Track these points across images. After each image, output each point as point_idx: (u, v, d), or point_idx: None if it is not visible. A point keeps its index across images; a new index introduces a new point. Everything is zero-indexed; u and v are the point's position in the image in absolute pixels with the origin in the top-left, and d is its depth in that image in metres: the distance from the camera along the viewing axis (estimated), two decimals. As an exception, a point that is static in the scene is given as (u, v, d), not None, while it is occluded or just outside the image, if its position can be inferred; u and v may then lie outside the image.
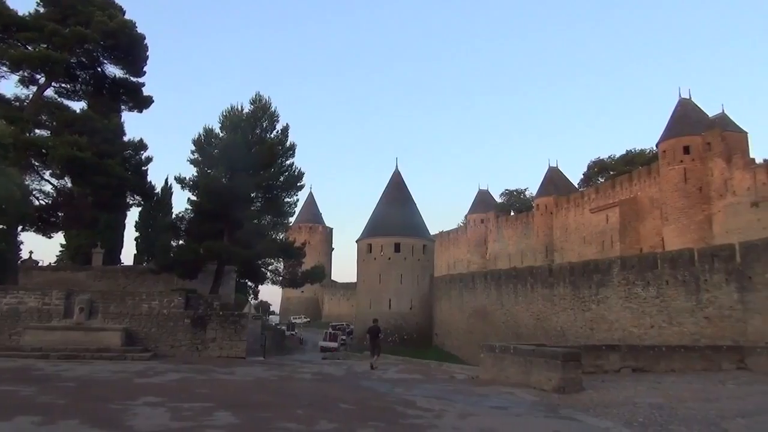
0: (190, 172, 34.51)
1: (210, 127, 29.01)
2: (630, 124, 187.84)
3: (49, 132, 27.82)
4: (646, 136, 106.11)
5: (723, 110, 53.16)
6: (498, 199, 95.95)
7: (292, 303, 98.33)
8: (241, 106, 29.62)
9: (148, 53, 30.77)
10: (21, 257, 36.47)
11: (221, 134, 28.96)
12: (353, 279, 61.76)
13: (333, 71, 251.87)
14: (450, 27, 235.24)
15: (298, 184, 30.39)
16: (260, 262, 30.25)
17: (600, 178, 78.27)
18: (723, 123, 50.47)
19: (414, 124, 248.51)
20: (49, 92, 28.97)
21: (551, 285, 34.39)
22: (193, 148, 28.74)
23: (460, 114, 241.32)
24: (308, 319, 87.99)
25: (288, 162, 30.03)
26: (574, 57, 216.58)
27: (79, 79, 29.95)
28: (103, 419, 8.78)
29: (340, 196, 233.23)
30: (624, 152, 78.71)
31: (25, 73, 27.65)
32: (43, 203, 27.91)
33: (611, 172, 75.44)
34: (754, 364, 17.14)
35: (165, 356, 20.82)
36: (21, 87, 28.14)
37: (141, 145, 30.07)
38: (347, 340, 52.34)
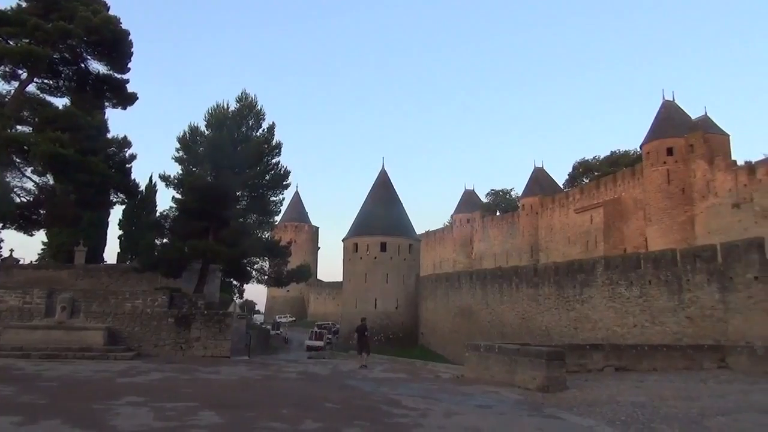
0: (174, 170, 34.27)
1: (195, 124, 28.75)
2: (614, 126, 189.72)
3: (31, 128, 27.42)
4: (631, 138, 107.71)
5: (706, 112, 53.92)
6: (484, 199, 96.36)
7: (278, 302, 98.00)
8: (227, 104, 29.39)
9: (132, 50, 30.45)
10: (2, 255, 36.02)
11: (207, 132, 28.71)
12: (339, 278, 61.71)
13: (319, 70, 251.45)
14: (437, 27, 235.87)
15: (284, 183, 30.22)
16: (246, 260, 30.04)
17: (585, 179, 78.86)
18: (706, 125, 51.15)
19: (400, 124, 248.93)
20: (31, 88, 28.57)
21: (536, 285, 34.61)
22: (178, 146, 28.45)
23: (446, 114, 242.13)
24: (294, 319, 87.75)
25: (274, 160, 29.86)
26: (560, 58, 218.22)
27: (62, 75, 29.55)
28: (85, 419, 8.68)
29: (326, 195, 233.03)
30: (608, 153, 79.45)
31: (7, 68, 27.20)
32: (25, 201, 27.51)
33: (596, 173, 76.06)
34: (735, 363, 17.39)
35: (148, 356, 20.63)
36: (2, 82, 27.73)
37: (125, 143, 29.74)
38: (333, 340, 52.29)
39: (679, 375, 15.76)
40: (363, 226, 55.78)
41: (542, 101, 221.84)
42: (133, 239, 42.10)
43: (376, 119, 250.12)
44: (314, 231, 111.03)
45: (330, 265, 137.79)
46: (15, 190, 26.83)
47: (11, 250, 35.12)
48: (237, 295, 61.26)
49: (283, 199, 31.32)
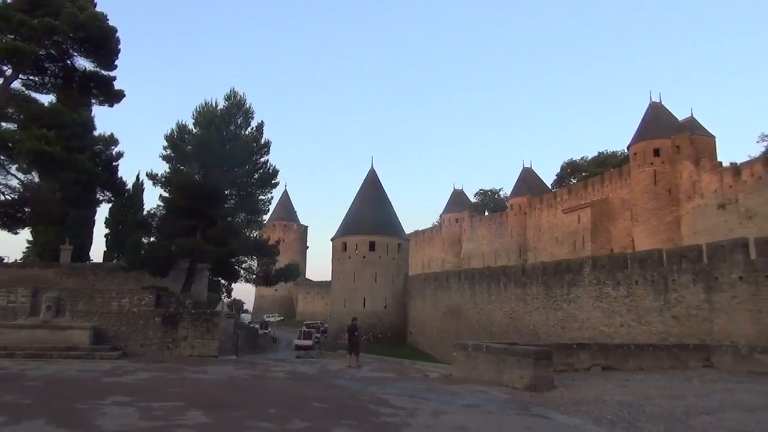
0: (162, 168, 34.04)
1: (183, 122, 28.60)
2: (602, 127, 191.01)
3: (16, 125, 27.15)
4: (618, 139, 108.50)
5: (692, 114, 54.52)
6: (473, 199, 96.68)
7: (266, 301, 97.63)
8: (216, 103, 29.26)
9: (119, 46, 30.21)
10: (-14, 253, 35.53)
11: (195, 130, 28.56)
12: (328, 277, 61.61)
13: (309, 68, 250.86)
14: (427, 27, 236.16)
15: (273, 182, 30.14)
16: (234, 259, 29.91)
17: (572, 179, 79.39)
18: (692, 127, 51.70)
19: (390, 123, 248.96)
20: (17, 84, 28.28)
21: (524, 284, 34.76)
22: (166, 144, 28.29)
23: (436, 114, 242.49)
24: (282, 318, 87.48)
25: (263, 159, 29.76)
26: (548, 60, 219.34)
27: (48, 72, 29.25)
28: (70, 419, 8.60)
29: (315, 194, 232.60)
30: (596, 154, 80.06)
31: (-8, 64, 26.94)
32: (10, 198, 27.21)
33: (583, 174, 76.58)
34: (719, 363, 17.58)
35: (135, 355, 20.49)
36: (-14, 79, 27.41)
37: (112, 140, 29.51)
38: (321, 339, 52.19)
39: (665, 374, 15.89)
40: (352, 226, 55.73)
41: (531, 102, 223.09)
42: (119, 238, 41.69)
43: (366, 118, 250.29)
44: (303, 230, 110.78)
45: (319, 265, 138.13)
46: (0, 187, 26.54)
47: (-5, 249, 34.76)
48: (225, 294, 61.00)
49: (272, 197, 31.31)
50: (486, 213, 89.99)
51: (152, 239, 29.03)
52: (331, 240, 57.79)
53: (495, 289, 37.81)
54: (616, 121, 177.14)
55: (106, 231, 45.21)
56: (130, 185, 38.88)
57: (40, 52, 27.47)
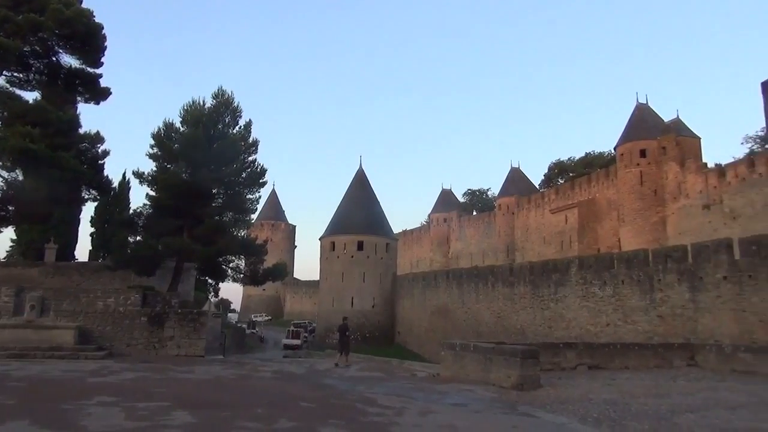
0: (149, 166, 33.78)
1: (170, 121, 28.34)
2: (589, 128, 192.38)
3: (-1, 123, 26.82)
4: (605, 139, 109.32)
5: (678, 116, 55.18)
6: (461, 199, 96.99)
7: (254, 301, 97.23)
8: (203, 101, 29.06)
9: (106, 43, 29.98)
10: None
11: (182, 129, 28.35)
12: (316, 277, 61.52)
13: (298, 67, 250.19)
14: (416, 27, 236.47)
15: (261, 181, 30.01)
16: (221, 259, 29.76)
17: (560, 180, 79.92)
18: (678, 128, 52.26)
19: (379, 123, 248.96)
20: (0, 81, 27.94)
21: (512, 284, 34.93)
22: (153, 142, 28.05)
23: (425, 114, 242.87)
24: (269, 317, 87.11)
25: (251, 158, 29.60)
26: (536, 61, 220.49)
27: (33, 69, 28.94)
28: (54, 419, 8.52)
29: (303, 193, 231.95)
30: (583, 154, 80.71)
31: (-25, 61, 26.57)
32: (-7, 196, 26.89)
33: (571, 174, 77.13)
34: (704, 361, 17.77)
35: (120, 355, 20.32)
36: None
37: (97, 138, 29.23)
38: (309, 338, 52.11)
39: (650, 373, 16.04)
40: (340, 225, 55.71)
41: (519, 102, 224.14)
42: (105, 237, 41.29)
43: (355, 118, 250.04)
44: (291, 229, 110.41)
45: (307, 264, 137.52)
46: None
47: (-22, 248, 34.33)
48: (212, 293, 60.62)
49: (260, 197, 31.16)
50: (474, 213, 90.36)
51: (138, 238, 28.77)
52: (320, 239, 57.71)
53: (483, 288, 37.96)
54: (603, 122, 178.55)
55: (92, 230, 44.77)
56: (116, 184, 38.53)
57: (25, 49, 27.17)
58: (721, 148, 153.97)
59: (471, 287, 39.48)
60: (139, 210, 29.90)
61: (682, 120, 54.39)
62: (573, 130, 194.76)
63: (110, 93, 31.06)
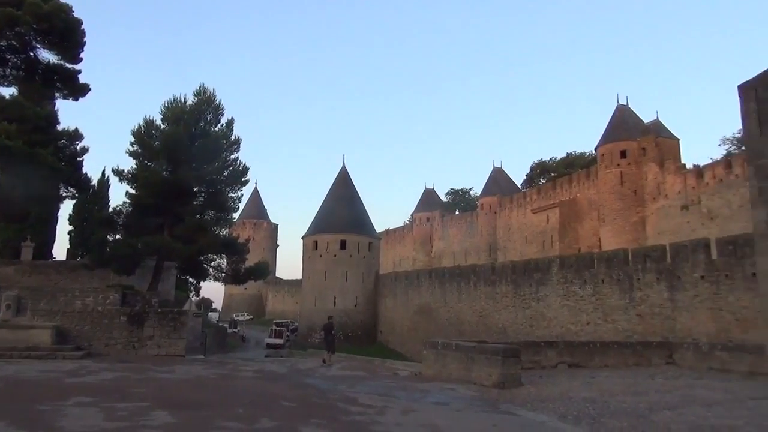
0: (128, 164, 33.39)
1: (151, 118, 28.04)
2: (571, 128, 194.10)
3: (-26, 118, 26.28)
4: (586, 140, 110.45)
5: (657, 117, 55.95)
6: (444, 199, 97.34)
7: (235, 300, 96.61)
8: (185, 98, 28.79)
9: (85, 39, 29.59)
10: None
11: (163, 126, 28.06)
12: (298, 276, 61.28)
13: (279, 65, 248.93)
14: (397, 25, 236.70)
15: (243, 179, 29.83)
16: (202, 258, 29.54)
17: (542, 180, 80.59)
18: (657, 129, 52.99)
19: (362, 122, 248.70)
20: (-24, 76, 27.44)
21: (494, 283, 35.15)
22: (133, 139, 27.73)
23: (407, 113, 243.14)
24: (251, 317, 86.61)
25: (233, 156, 29.41)
26: (518, 61, 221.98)
27: (9, 64, 28.51)
28: (31, 420, 8.37)
29: (286, 192, 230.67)
30: (565, 155, 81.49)
31: (-50, 55, 26.10)
32: (-32, 194, 26.40)
33: (552, 174, 77.83)
34: (681, 360, 18.04)
35: (99, 355, 20.04)
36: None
37: (76, 135, 28.86)
38: (292, 338, 51.93)
39: (629, 371, 16.25)
40: (323, 224, 55.58)
41: (501, 102, 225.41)
42: (84, 235, 40.62)
43: (338, 116, 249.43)
44: (273, 228, 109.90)
45: (289, 263, 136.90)
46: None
47: (-48, 246, 33.44)
48: (193, 292, 60.04)
49: (242, 195, 31.04)
50: (457, 212, 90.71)
51: (118, 237, 28.42)
52: (302, 238, 57.51)
53: (465, 287, 38.15)
54: (585, 123, 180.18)
55: (70, 228, 43.99)
56: (95, 181, 38.01)
57: (1, 43, 26.80)
58: (699, 149, 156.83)
59: (453, 286, 39.65)
60: (118, 208, 29.55)
61: (662, 121, 55.18)
62: (555, 131, 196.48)
63: (89, 89, 30.71)
